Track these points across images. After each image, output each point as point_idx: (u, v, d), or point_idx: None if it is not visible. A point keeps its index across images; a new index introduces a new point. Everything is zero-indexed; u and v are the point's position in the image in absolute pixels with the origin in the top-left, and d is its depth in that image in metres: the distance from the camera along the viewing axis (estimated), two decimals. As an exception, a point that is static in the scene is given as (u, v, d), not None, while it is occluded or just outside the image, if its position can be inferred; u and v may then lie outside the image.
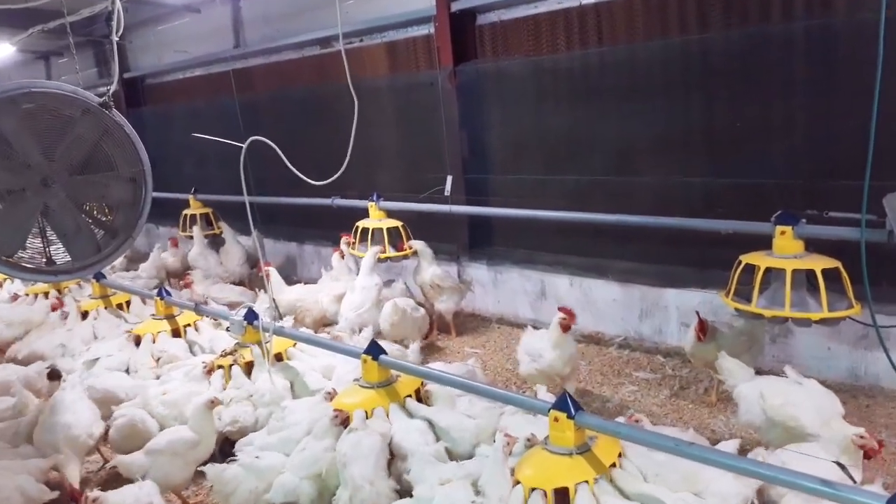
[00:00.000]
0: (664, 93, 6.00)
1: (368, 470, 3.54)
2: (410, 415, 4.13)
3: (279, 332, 4.97)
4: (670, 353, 5.96)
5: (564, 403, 3.28)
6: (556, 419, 3.29)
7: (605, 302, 6.49)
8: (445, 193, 7.17)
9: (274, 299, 4.99)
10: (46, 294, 7.49)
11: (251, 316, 5.07)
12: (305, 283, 7.65)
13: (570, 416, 3.25)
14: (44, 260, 4.19)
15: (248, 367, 4.92)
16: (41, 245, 4.23)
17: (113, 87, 4.14)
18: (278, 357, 5.11)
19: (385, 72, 8.32)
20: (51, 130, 3.99)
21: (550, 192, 6.93)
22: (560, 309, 4.88)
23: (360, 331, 6.06)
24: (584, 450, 3.28)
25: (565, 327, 4.83)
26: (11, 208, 3.91)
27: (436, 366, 4.84)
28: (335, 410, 3.95)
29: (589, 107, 6.56)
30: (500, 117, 7.28)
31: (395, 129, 8.34)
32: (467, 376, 4.40)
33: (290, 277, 9.40)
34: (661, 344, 6.11)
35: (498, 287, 7.36)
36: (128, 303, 7.09)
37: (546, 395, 4.05)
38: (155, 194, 4.38)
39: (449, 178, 7.18)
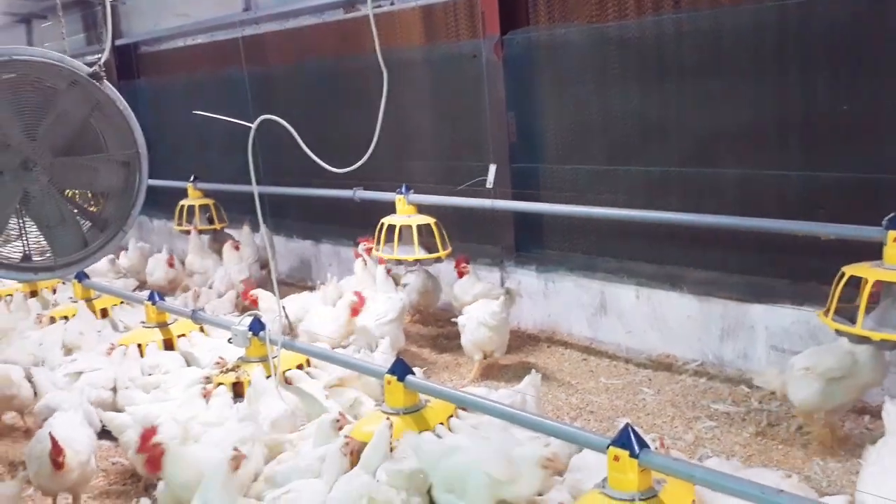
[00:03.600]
0: (755, 68, 5.92)
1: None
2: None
3: (288, 346, 5.03)
4: (757, 382, 5.90)
5: (626, 439, 3.26)
6: (616, 458, 3.26)
7: (678, 319, 6.43)
8: (487, 185, 7.17)
9: (284, 308, 5.05)
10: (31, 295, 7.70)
11: (257, 326, 5.14)
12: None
13: (633, 455, 3.22)
14: (22, 255, 4.30)
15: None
16: (18, 238, 4.34)
17: (105, 56, 4.23)
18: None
19: (419, 41, 8.36)
20: (33, 105, 4.07)
21: (614, 186, 6.89)
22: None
23: (376, 346, 6.09)
24: (649, 496, 3.25)
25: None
26: (-14, 195, 4.02)
27: (478, 391, 4.85)
28: (346, 438, 4.01)
29: (663, 85, 6.50)
30: (554, 96, 7.26)
31: (429, 109, 8.37)
32: (516, 405, 4.40)
33: (303, 282, 9.52)
34: (746, 371, 6.02)
35: (549, 298, 7.34)
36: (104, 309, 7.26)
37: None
38: (149, 182, 4.47)
39: (492, 168, 7.17)
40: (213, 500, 3.68)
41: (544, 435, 4.02)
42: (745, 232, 5.91)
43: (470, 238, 7.25)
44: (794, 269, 5.91)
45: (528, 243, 7.72)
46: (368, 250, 7.33)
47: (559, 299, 7.28)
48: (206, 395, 4.91)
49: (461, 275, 7.10)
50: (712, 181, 6.31)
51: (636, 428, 3.32)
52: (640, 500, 3.23)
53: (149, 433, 4.13)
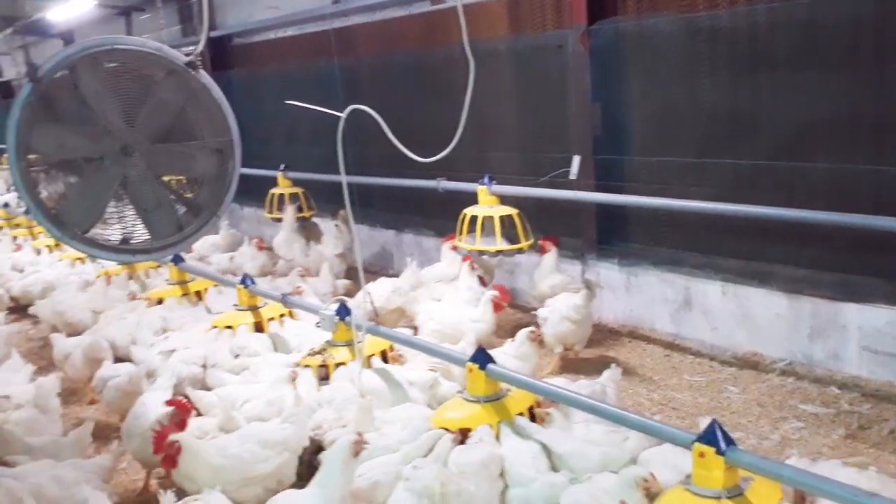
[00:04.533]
0: (851, 59, 5.69)
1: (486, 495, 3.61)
2: (522, 436, 4.13)
3: (373, 332, 5.09)
4: (847, 383, 5.69)
5: (713, 436, 3.19)
6: (701, 454, 3.20)
7: (766, 317, 6.25)
8: (571, 177, 7.08)
9: (370, 293, 5.11)
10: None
11: (343, 311, 5.21)
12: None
13: (719, 452, 3.15)
14: (120, 238, 4.46)
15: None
16: (118, 221, 4.50)
17: (201, 45, 4.34)
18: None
19: (504, 32, 8.32)
20: (132, 93, 4.23)
21: (702, 179, 6.72)
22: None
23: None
24: (735, 493, 3.17)
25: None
26: (89, 179, 4.19)
27: (557, 381, 4.82)
28: (453, 432, 4.03)
29: (755, 76, 6.31)
30: (641, 87, 7.13)
31: (513, 100, 8.33)
32: (595, 396, 4.36)
33: (384, 271, 9.62)
34: (837, 372, 5.84)
35: (631, 293, 7.23)
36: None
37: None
38: (241, 170, 4.57)
39: (576, 159, 7.09)
40: (332, 482, 3.70)
41: (625, 428, 3.97)
42: (838, 228, 5.70)
43: (551, 230, 7.18)
44: (890, 268, 5.67)
45: (611, 236, 7.61)
46: (455, 247, 7.31)
47: (642, 294, 7.16)
48: (293, 378, 5.01)
49: (543, 252, 7.02)
50: (804, 175, 6.10)
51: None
52: (727, 497, 3.15)
53: (165, 431, 4.08)
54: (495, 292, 6.04)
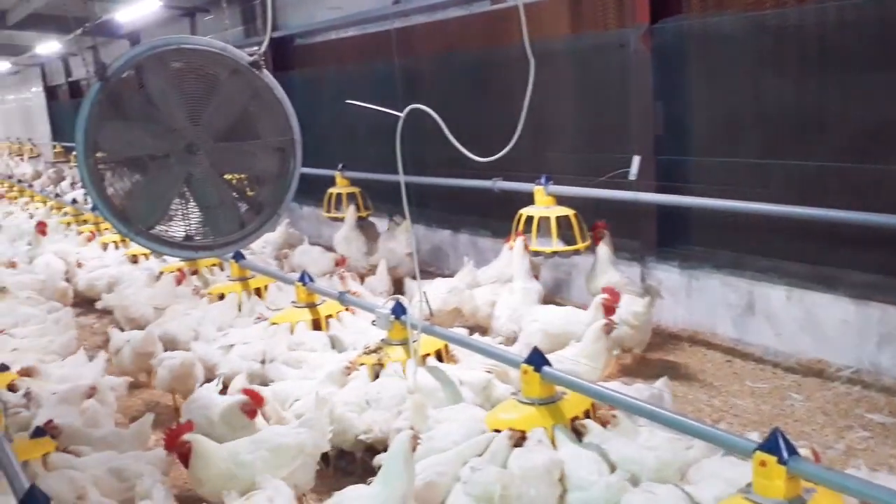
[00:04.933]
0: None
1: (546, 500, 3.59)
2: (577, 440, 4.10)
3: (428, 331, 5.10)
4: (918, 393, 5.51)
5: (775, 445, 3.11)
6: (762, 463, 3.13)
7: (832, 323, 6.09)
8: (631, 177, 7.00)
9: (425, 293, 5.12)
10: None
11: (399, 310, 5.24)
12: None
13: (781, 462, 3.08)
14: (184, 234, 4.55)
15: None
16: (182, 218, 4.59)
17: (264, 45, 4.41)
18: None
19: (565, 31, 8.28)
20: (197, 92, 4.30)
21: (767, 181, 6.59)
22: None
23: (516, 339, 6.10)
24: (798, 504, 3.10)
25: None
26: (154, 176, 4.28)
27: (613, 385, 4.77)
28: (510, 430, 4.02)
29: (823, 75, 6.16)
30: (705, 87, 7.02)
31: (573, 99, 8.29)
32: (652, 401, 4.30)
33: (440, 270, 9.65)
34: (907, 381, 5.65)
35: (692, 296, 7.11)
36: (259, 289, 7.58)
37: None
38: (301, 169, 4.62)
39: (636, 159, 7.00)
40: (395, 480, 3.71)
41: (685, 436, 3.91)
42: (911, 232, 5.52)
43: (610, 231, 7.10)
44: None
45: (671, 239, 7.51)
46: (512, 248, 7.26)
47: (703, 298, 7.04)
48: (348, 374, 5.06)
49: (597, 240, 6.93)
50: (873, 177, 5.93)
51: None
52: (788, 508, 3.07)
53: (178, 430, 4.11)
54: (605, 294, 5.84)
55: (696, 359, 6.57)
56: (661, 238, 7.52)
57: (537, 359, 4.31)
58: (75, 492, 3.97)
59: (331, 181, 10.29)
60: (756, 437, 3.50)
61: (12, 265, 9.39)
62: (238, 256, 7.43)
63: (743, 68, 6.68)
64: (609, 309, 5.72)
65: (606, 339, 5.39)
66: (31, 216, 13.33)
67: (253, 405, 4.54)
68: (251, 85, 4.36)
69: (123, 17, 14.30)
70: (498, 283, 7.18)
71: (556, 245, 6.90)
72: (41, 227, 10.77)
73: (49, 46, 19.83)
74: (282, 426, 4.53)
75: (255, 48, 4.37)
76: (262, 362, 5.79)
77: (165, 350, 6.13)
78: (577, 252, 7.01)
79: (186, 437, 4.05)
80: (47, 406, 4.96)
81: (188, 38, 4.31)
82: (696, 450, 3.98)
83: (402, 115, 4.33)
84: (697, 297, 7.09)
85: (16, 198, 16.51)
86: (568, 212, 7.00)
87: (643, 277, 7.40)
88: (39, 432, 4.39)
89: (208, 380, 5.54)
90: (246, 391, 4.65)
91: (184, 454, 4.03)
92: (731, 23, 6.68)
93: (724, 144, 6.96)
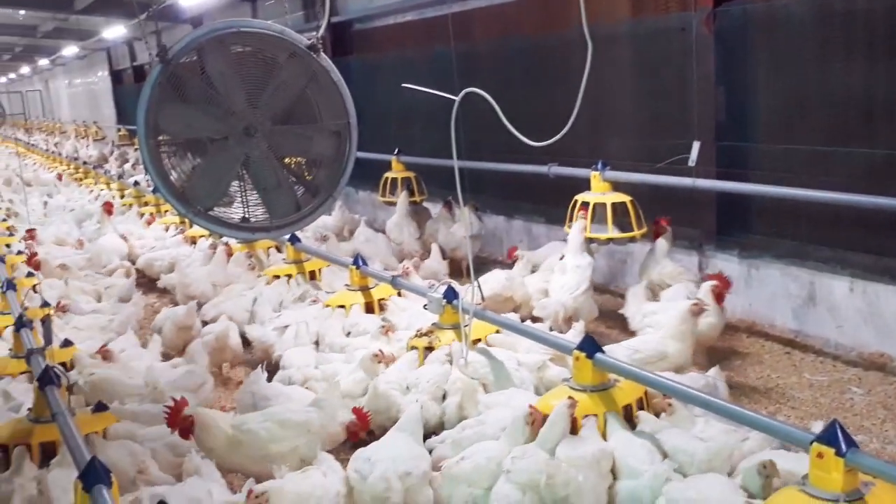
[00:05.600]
0: None
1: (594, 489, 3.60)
2: (629, 428, 4.08)
3: (480, 316, 5.11)
4: None
5: (833, 436, 3.05)
6: (819, 455, 3.07)
7: (896, 316, 5.93)
8: (690, 163, 6.87)
9: (477, 279, 5.13)
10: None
11: (451, 294, 5.26)
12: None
13: (839, 454, 3.02)
14: (241, 216, 4.63)
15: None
16: (240, 200, 4.68)
17: (322, 28, 4.45)
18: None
19: (626, 15, 8.18)
20: (255, 75, 4.38)
21: (831, 169, 6.42)
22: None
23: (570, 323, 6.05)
24: (855, 497, 3.03)
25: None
26: (213, 158, 4.36)
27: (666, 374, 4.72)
28: (530, 408, 4.01)
29: (892, 60, 5.97)
30: (769, 71, 6.86)
31: (632, 84, 8.19)
32: (706, 391, 4.25)
33: (493, 257, 9.65)
34: (974, 377, 5.47)
35: (751, 287, 6.98)
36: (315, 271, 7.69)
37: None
38: (357, 153, 4.66)
39: (695, 145, 6.86)
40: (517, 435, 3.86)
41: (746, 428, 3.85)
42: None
43: (670, 222, 6.99)
44: None
45: (731, 227, 7.37)
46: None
47: (763, 288, 6.90)
48: (378, 361, 5.12)
49: (658, 235, 6.81)
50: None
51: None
52: (845, 501, 3.01)
53: (179, 405, 4.15)
54: (715, 282, 5.66)
55: (755, 350, 6.45)
56: (721, 226, 7.39)
57: (589, 345, 4.29)
58: (135, 465, 4.10)
59: (387, 166, 10.35)
60: (814, 428, 3.44)
61: (80, 244, 9.70)
62: (293, 239, 7.54)
63: (808, 52, 6.51)
64: (719, 296, 5.61)
65: (693, 321, 5.27)
66: (97, 197, 13.72)
67: (360, 427, 4.41)
68: (308, 68, 4.40)
69: (186, 1, 14.54)
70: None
71: (612, 232, 6.82)
72: (108, 207, 11.09)
73: (115, 31, 20.28)
74: (294, 404, 4.65)
75: (314, 32, 4.41)
76: (317, 344, 5.88)
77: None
78: (632, 239, 6.93)
79: (188, 410, 4.13)
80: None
81: (248, 22, 4.37)
82: (752, 441, 3.93)
83: (457, 98, 4.34)
84: (757, 287, 6.95)
85: (82, 179, 17.00)
86: (624, 198, 6.92)
87: (701, 266, 7.29)
88: (101, 407, 4.54)
89: (263, 360, 5.66)
90: (355, 410, 4.44)
91: (186, 428, 4.11)
92: (797, 5, 6.53)
93: (787, 130, 6.81)
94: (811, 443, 3.11)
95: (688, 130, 7.27)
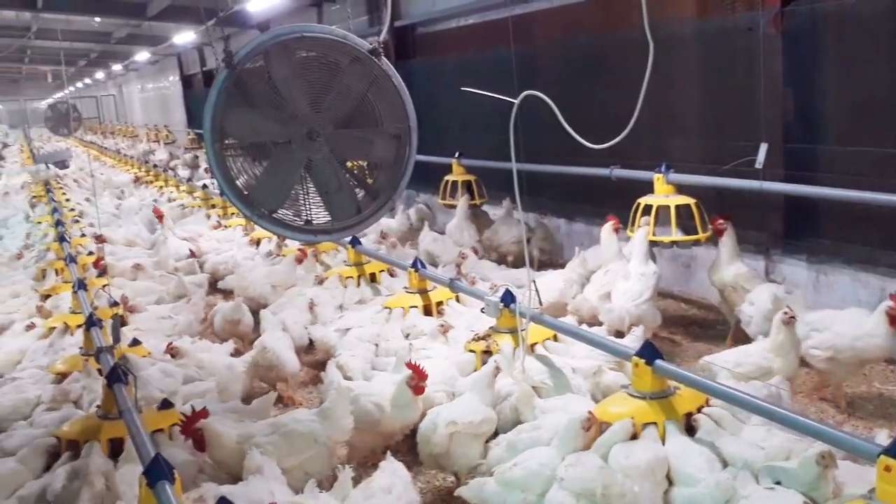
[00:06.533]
0: None
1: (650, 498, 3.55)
2: (689, 436, 4.01)
3: (537, 320, 5.09)
4: None
5: (904, 449, 2.95)
6: (887, 468, 2.97)
7: (974, 325, 5.67)
8: (757, 165, 6.71)
9: (535, 282, 5.10)
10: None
11: (508, 298, 5.24)
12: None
13: (910, 468, 2.91)
14: (304, 218, 4.70)
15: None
16: (302, 202, 4.74)
17: (383, 34, 4.49)
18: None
19: (691, 14, 8.04)
20: (318, 79, 4.43)
21: (904, 172, 6.21)
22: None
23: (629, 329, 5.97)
24: (927, 515, 2.93)
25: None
26: (277, 161, 4.44)
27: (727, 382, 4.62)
28: (588, 413, 3.98)
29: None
30: (838, 71, 6.69)
31: (696, 85, 8.06)
32: (770, 400, 4.15)
33: (553, 260, 9.59)
34: None
35: (820, 292, 6.80)
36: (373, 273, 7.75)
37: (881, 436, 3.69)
38: (417, 156, 4.68)
39: (763, 147, 6.71)
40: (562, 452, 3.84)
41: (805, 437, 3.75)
42: None
43: (733, 222, 6.85)
44: None
45: (799, 231, 7.19)
46: (617, 229, 7.04)
47: (832, 294, 6.71)
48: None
49: (719, 233, 6.63)
50: None
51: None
52: (914, 518, 2.91)
53: (193, 418, 4.17)
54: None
55: (822, 358, 6.27)
56: (789, 230, 7.23)
57: (649, 351, 4.23)
58: (197, 464, 4.20)
59: (447, 169, 10.38)
60: (883, 440, 3.34)
61: (152, 246, 10.01)
62: (354, 241, 7.61)
63: (879, 52, 6.33)
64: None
65: (787, 330, 5.05)
66: (156, 201, 14.07)
67: (418, 380, 4.56)
68: (370, 73, 4.44)
69: (254, 7, 14.84)
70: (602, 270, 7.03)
71: (676, 235, 6.71)
72: (157, 213, 11.40)
73: (185, 37, 20.82)
74: (301, 411, 4.70)
75: (376, 37, 4.45)
76: (377, 345, 5.93)
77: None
78: (697, 243, 6.81)
79: (199, 423, 4.16)
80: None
81: (311, 27, 4.43)
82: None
83: (516, 101, 4.33)
84: (826, 293, 6.76)
85: (152, 182, 17.49)
86: (688, 201, 6.81)
87: (767, 271, 7.12)
88: (167, 404, 4.65)
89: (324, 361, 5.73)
90: (409, 365, 4.61)
91: (198, 440, 4.15)
92: (868, 4, 6.34)
93: (857, 132, 6.62)
94: (878, 455, 3.00)
95: (754, 132, 7.11)
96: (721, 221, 6.60)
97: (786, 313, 5.07)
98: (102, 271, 8.42)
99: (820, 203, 7.01)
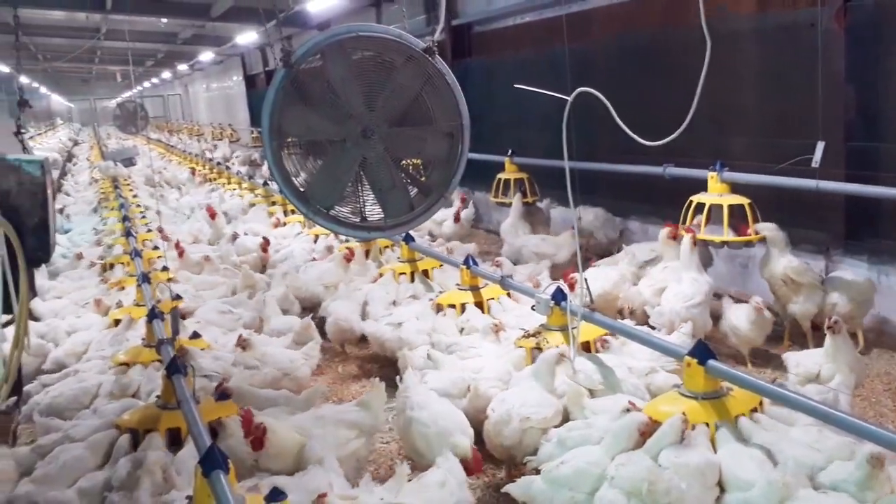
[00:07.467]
0: None
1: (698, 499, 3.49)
2: (742, 439, 3.94)
3: (588, 318, 5.04)
4: None
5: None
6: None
7: None
8: (813, 164, 6.54)
9: (586, 280, 5.06)
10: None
11: (559, 296, 5.21)
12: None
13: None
14: (359, 216, 4.75)
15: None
16: (357, 200, 4.79)
17: (439, 32, 4.49)
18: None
19: (750, 9, 7.88)
20: (373, 78, 4.46)
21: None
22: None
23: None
24: None
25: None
26: (332, 159, 4.49)
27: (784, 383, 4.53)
28: (648, 419, 3.93)
29: None
30: (904, 69, 6.48)
31: (754, 81, 7.91)
32: (827, 402, 4.05)
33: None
34: None
35: (881, 294, 6.61)
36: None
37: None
38: (470, 154, 4.68)
39: (820, 146, 6.53)
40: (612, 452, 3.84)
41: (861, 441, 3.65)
42: None
43: (789, 222, 6.70)
44: None
45: (860, 231, 7.01)
46: (674, 236, 6.93)
47: (893, 296, 6.54)
48: None
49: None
50: None
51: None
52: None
53: (249, 415, 4.18)
54: None
55: (882, 361, 6.13)
56: (850, 230, 7.04)
57: (702, 351, 4.16)
58: (252, 455, 4.26)
59: (501, 167, 10.37)
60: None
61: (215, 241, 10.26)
62: (408, 238, 7.65)
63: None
64: None
65: (835, 338, 4.88)
66: (232, 196, 14.35)
67: (473, 467, 4.33)
68: (424, 71, 4.45)
69: (314, 7, 15.02)
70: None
71: (728, 234, 6.59)
72: (210, 211, 11.61)
73: (247, 37, 21.15)
74: (342, 405, 4.77)
75: (432, 32, 4.46)
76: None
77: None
78: (749, 243, 6.67)
79: (258, 421, 4.17)
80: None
81: (367, 26, 4.46)
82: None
83: (569, 98, 4.30)
84: (887, 295, 6.58)
85: (215, 179, 17.82)
86: (742, 200, 6.68)
87: (827, 271, 6.94)
88: (224, 395, 4.74)
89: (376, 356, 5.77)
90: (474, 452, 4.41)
91: (259, 438, 4.14)
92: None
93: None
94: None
95: (813, 130, 6.94)
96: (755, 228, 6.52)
97: (836, 321, 4.93)
98: (180, 255, 9.04)
99: (882, 203, 6.80)
